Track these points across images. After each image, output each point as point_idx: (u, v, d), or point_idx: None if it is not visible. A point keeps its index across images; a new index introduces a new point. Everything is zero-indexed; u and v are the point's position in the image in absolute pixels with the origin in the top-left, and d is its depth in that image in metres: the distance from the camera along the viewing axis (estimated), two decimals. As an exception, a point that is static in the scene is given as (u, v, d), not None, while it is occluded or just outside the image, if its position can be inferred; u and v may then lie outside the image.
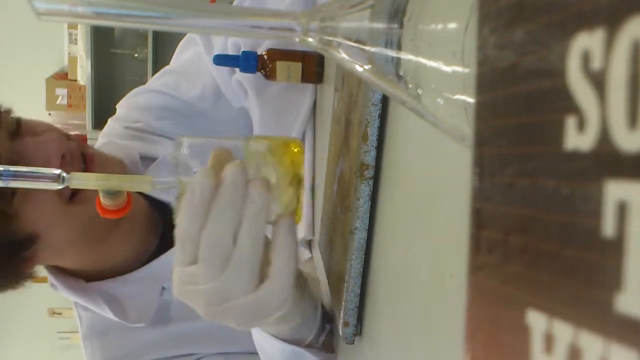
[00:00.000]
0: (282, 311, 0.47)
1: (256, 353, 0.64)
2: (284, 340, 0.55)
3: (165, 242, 0.82)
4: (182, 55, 0.90)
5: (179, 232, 0.44)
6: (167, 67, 0.92)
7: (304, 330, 0.54)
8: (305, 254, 0.74)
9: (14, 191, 0.66)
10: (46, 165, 0.67)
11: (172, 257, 0.83)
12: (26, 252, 0.70)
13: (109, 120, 0.91)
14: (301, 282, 0.52)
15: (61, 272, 0.80)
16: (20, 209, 0.67)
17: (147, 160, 0.85)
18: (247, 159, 0.45)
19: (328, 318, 0.57)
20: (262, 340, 0.57)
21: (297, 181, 0.46)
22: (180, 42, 0.92)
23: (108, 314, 0.77)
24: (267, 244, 0.45)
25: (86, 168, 0.71)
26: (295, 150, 0.46)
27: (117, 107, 0.92)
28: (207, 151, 0.45)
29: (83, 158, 0.72)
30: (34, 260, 0.73)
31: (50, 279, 0.80)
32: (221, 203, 0.42)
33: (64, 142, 0.71)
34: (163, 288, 0.80)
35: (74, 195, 0.70)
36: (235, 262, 0.43)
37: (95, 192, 0.50)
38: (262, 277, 0.44)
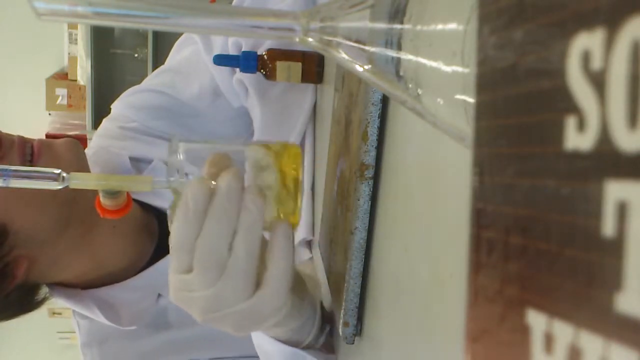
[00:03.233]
0: (278, 317, 0.47)
1: (254, 357, 0.64)
2: (283, 341, 0.55)
3: (161, 248, 0.81)
4: (178, 54, 0.90)
5: (173, 241, 0.43)
6: (162, 67, 0.91)
7: (303, 332, 0.54)
8: (305, 254, 0.74)
9: None
10: None
11: (168, 265, 0.82)
12: (2, 248, 0.68)
13: (104, 120, 0.90)
14: (299, 284, 0.52)
15: (58, 283, 0.80)
16: None
17: (141, 162, 0.84)
18: (248, 164, 0.45)
19: (327, 318, 0.57)
20: (262, 341, 0.58)
21: (296, 186, 0.46)
22: (177, 41, 0.91)
23: (101, 319, 0.77)
24: (263, 248, 0.45)
25: (32, 157, 0.71)
26: (294, 154, 0.46)
27: (111, 107, 0.91)
28: (204, 156, 0.45)
29: (31, 149, 0.71)
30: (22, 262, 0.71)
31: (48, 288, 0.80)
32: (216, 212, 0.42)
33: None
34: (159, 295, 0.80)
35: None
36: (231, 270, 0.43)
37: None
38: (258, 283, 0.44)
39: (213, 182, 0.43)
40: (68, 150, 0.74)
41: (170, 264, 0.45)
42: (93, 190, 0.50)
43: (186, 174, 0.44)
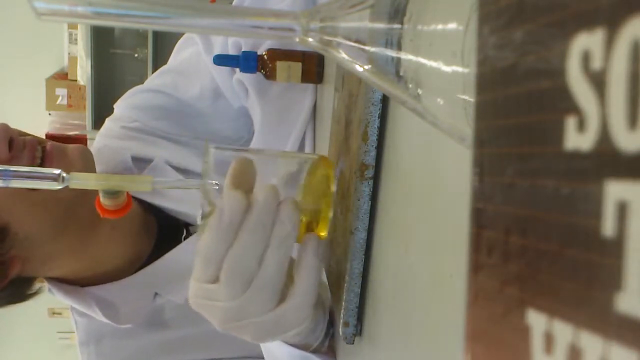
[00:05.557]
0: (300, 328, 0.46)
1: (252, 357, 0.63)
2: (292, 345, 0.55)
3: (160, 247, 0.82)
4: (179, 54, 0.90)
5: (202, 251, 0.43)
6: (164, 67, 0.92)
7: (313, 336, 0.54)
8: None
9: None
10: None
11: (166, 264, 0.83)
12: (1, 247, 0.69)
13: (107, 120, 0.91)
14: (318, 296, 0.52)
15: (58, 279, 0.80)
16: None
17: (142, 162, 0.84)
18: (278, 174, 0.44)
19: (331, 322, 0.57)
20: (270, 344, 0.57)
21: (327, 199, 0.45)
22: (178, 42, 0.92)
23: (99, 316, 0.77)
24: (291, 262, 0.44)
25: (43, 160, 0.72)
26: (327, 167, 0.46)
27: (114, 106, 0.92)
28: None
29: (42, 151, 0.72)
30: (16, 262, 0.72)
31: (48, 284, 0.80)
32: (250, 227, 0.41)
33: (9, 129, 0.70)
34: (156, 294, 0.80)
35: None
36: (258, 284, 0.42)
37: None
38: (283, 295, 0.44)
39: (248, 196, 0.42)
40: (80, 157, 0.75)
41: (194, 272, 0.44)
42: (94, 192, 0.50)
43: (216, 184, 0.44)
